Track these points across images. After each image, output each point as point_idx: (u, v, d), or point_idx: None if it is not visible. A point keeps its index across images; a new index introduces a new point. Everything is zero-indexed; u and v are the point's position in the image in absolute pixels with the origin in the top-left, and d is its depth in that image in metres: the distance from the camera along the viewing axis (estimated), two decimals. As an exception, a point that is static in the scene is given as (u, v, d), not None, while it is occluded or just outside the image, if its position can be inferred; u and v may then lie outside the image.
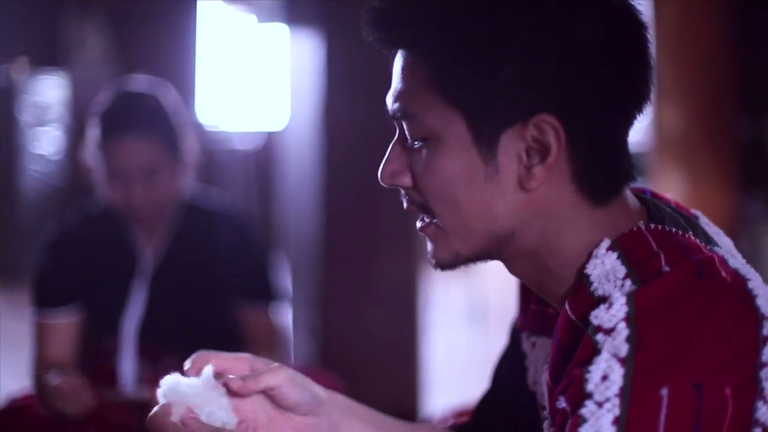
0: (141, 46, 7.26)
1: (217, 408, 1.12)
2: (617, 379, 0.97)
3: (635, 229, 1.08)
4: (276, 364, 1.21)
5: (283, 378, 1.17)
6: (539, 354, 1.27)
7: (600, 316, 1.01)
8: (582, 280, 1.08)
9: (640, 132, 5.35)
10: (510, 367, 1.37)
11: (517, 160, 1.08)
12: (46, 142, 8.22)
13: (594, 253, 1.08)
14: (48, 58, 7.85)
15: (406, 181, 1.13)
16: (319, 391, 1.23)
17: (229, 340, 2.85)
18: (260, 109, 8.13)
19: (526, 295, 1.32)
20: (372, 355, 3.58)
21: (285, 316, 3.01)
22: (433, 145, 1.10)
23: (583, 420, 0.97)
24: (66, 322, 2.68)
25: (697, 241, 1.08)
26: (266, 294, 2.81)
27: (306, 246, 3.88)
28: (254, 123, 8.16)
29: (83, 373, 2.63)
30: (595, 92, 1.07)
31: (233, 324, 2.83)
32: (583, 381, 0.99)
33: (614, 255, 1.07)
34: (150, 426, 1.02)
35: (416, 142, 1.11)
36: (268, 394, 1.17)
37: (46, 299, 2.68)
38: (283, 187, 4.43)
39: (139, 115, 2.62)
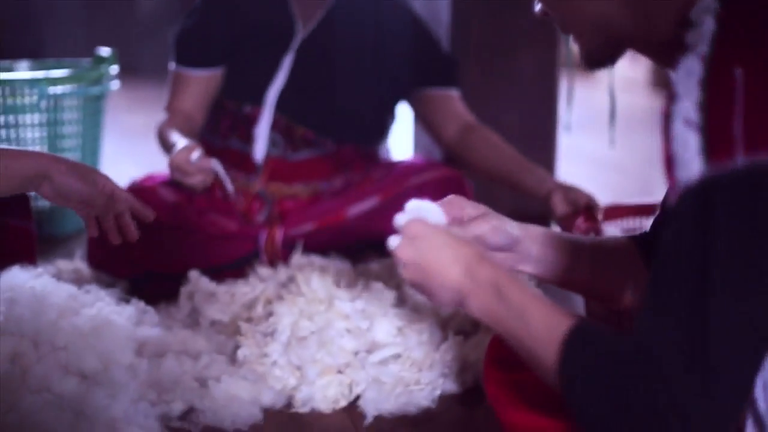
0: None
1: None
2: (697, 71, 1.04)
3: None
4: (483, 209, 1.46)
5: (487, 228, 1.43)
6: None
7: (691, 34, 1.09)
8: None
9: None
10: None
11: None
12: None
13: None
14: None
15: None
16: (515, 230, 1.46)
17: (371, 131, 2.82)
18: None
19: None
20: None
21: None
22: None
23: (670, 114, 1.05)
24: (202, 76, 2.73)
25: None
26: (451, 78, 2.87)
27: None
28: None
29: (221, 149, 2.76)
30: None
31: (379, 114, 2.83)
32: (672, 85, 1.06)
33: None
34: None
35: None
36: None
37: (187, 56, 2.73)
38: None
39: None
